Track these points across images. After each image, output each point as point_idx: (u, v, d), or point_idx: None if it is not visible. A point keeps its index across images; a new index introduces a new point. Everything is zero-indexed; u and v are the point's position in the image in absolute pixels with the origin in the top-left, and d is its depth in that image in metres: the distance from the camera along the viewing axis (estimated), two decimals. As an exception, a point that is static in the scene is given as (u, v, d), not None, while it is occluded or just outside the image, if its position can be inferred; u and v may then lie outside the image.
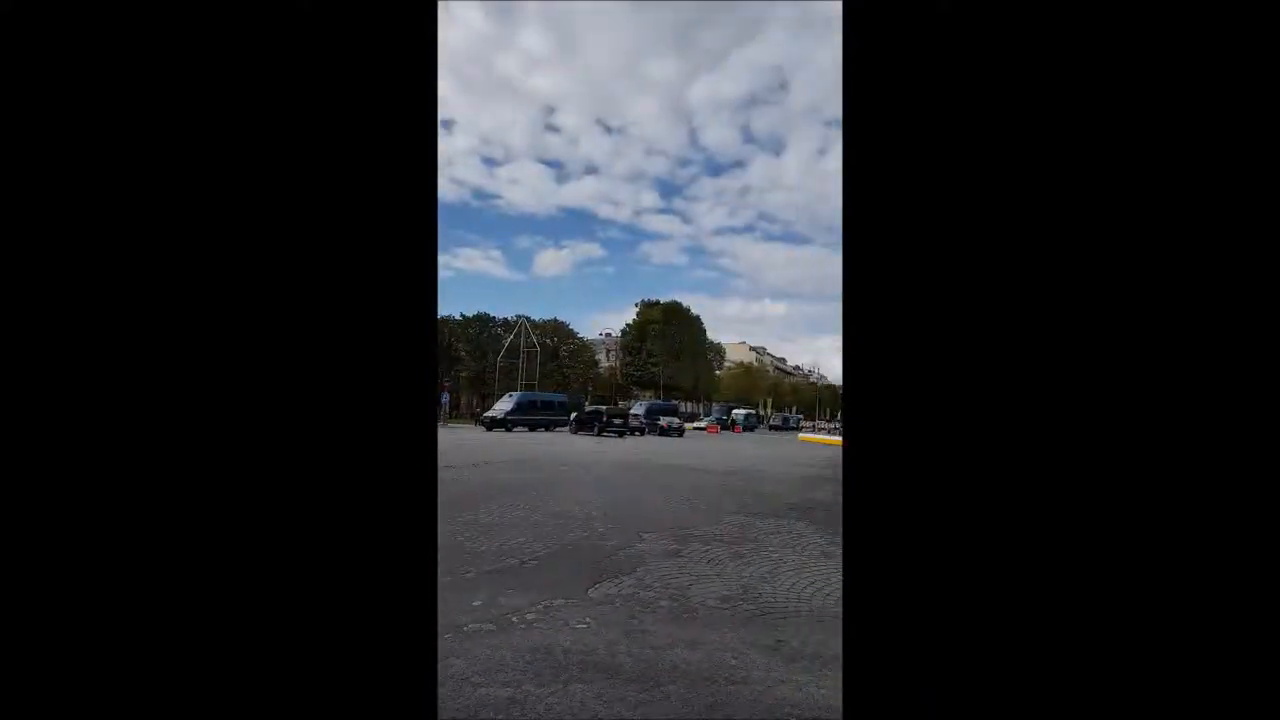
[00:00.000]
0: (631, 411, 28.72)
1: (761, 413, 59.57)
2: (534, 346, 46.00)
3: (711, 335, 59.96)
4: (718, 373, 64.09)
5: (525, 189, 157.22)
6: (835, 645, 3.18)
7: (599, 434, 25.50)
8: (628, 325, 52.32)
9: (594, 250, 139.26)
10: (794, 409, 74.70)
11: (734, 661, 2.88)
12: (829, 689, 2.62)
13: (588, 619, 3.39)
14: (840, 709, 2.35)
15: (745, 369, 70.27)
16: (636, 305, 52.82)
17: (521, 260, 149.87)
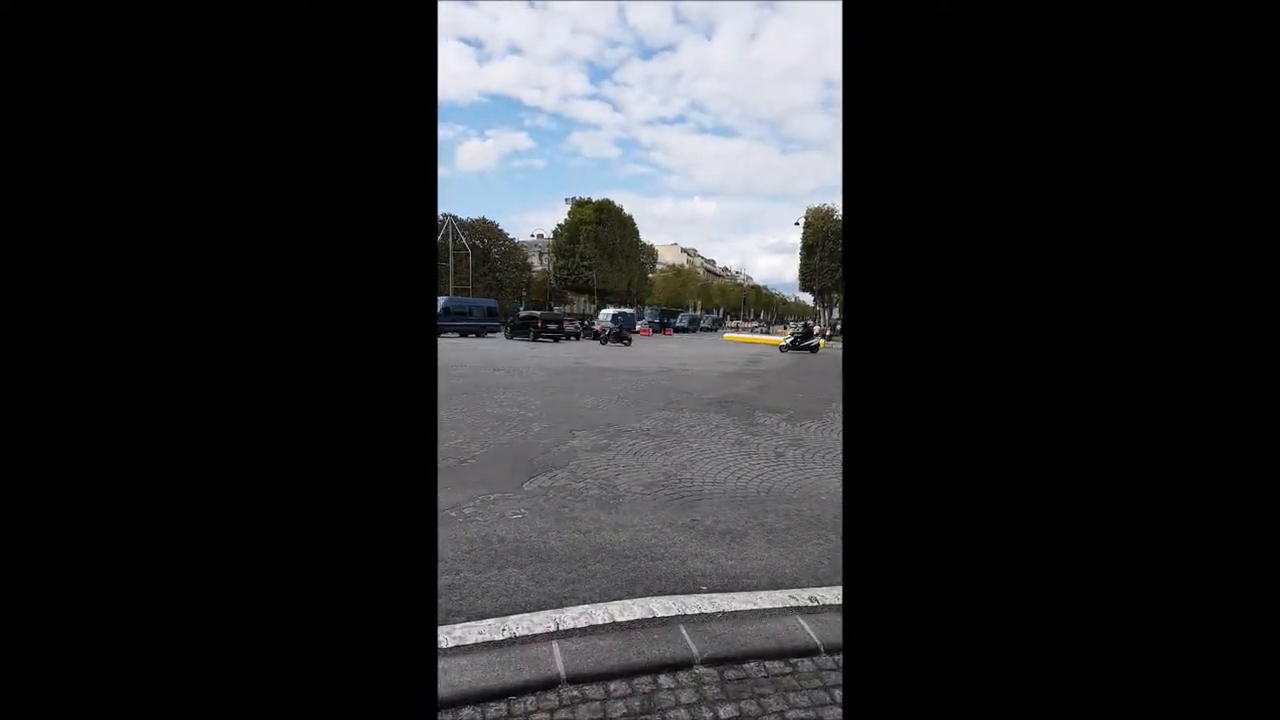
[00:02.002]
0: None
1: (696, 315, 60.62)
2: (464, 249, 44.17)
3: (644, 236, 59.24)
4: (650, 276, 64.07)
5: (444, 72, 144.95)
6: (744, 522, 3.57)
7: (534, 339, 25.51)
8: (559, 226, 50.85)
9: (521, 141, 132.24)
10: (720, 310, 76.37)
11: (654, 540, 3.22)
12: (736, 560, 2.99)
13: (522, 510, 3.65)
14: (743, 578, 2.72)
15: (676, 271, 70.49)
16: (568, 202, 51.16)
17: (444, 153, 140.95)
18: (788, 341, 24.52)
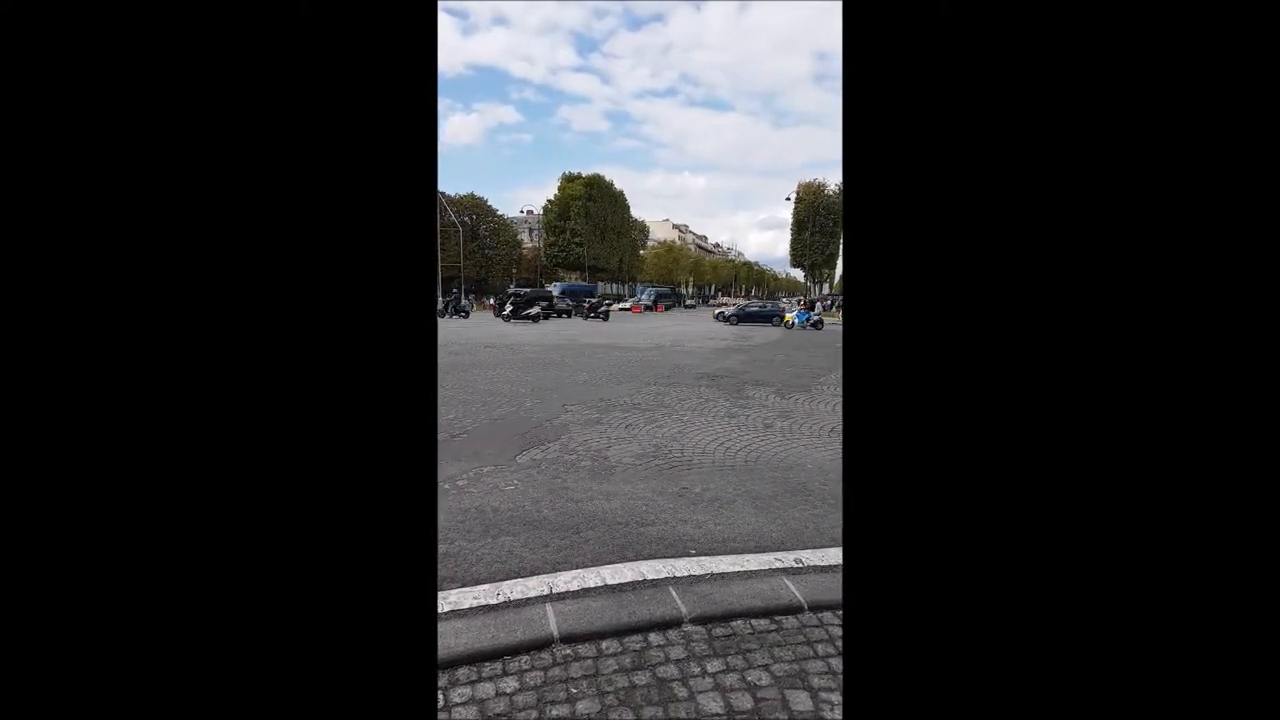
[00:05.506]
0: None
1: (684, 291, 60.03)
2: (452, 225, 43.57)
3: (635, 212, 58.61)
4: (641, 252, 63.64)
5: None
6: (731, 490, 3.64)
7: (523, 318, 25.45)
8: (549, 201, 50.24)
9: (509, 114, 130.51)
10: (713, 287, 75.79)
11: (644, 508, 3.28)
12: (724, 525, 3.07)
13: (515, 481, 3.70)
14: (731, 542, 2.80)
15: (668, 248, 70.04)
16: (560, 179, 50.54)
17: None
18: (506, 311, 26.95)
